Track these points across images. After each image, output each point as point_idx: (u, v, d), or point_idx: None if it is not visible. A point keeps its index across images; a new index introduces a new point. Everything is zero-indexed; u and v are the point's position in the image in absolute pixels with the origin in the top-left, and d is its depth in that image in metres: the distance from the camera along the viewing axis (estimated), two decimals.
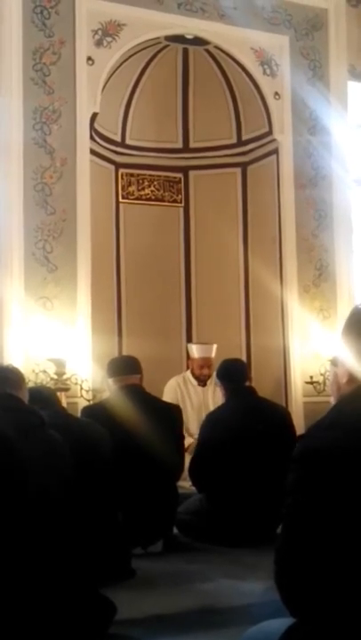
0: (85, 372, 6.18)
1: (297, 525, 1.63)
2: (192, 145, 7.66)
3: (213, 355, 6.60)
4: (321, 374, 6.82)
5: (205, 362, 6.57)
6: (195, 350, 6.70)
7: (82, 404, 5.75)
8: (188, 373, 6.73)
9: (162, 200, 7.66)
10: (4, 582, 2.25)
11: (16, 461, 2.31)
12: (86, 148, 6.49)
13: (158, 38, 6.96)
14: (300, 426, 5.71)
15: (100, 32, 6.52)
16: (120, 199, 7.46)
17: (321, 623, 1.61)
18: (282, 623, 1.74)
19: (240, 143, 7.54)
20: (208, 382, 6.57)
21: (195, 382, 6.64)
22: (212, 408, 6.24)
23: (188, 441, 5.83)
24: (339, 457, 1.60)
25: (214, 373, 5.70)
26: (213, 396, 6.32)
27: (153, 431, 4.30)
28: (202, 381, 6.63)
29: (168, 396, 6.55)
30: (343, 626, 1.59)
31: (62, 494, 2.70)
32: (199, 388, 6.64)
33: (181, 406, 6.25)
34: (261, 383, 6.54)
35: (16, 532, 2.26)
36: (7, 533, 2.24)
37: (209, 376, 6.52)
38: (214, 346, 6.62)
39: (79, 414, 4.82)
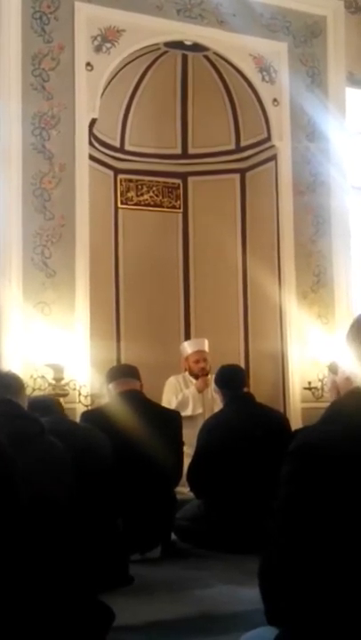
0: (83, 377, 6.18)
1: (289, 519, 1.62)
2: (191, 151, 7.67)
3: (207, 348, 6.66)
4: (319, 380, 6.82)
5: (200, 355, 6.64)
6: (188, 346, 6.81)
7: (80, 409, 5.76)
8: (187, 374, 6.74)
9: (161, 206, 7.66)
10: (1, 588, 2.24)
11: (5, 467, 2.29)
12: (85, 154, 6.50)
13: (157, 44, 6.97)
14: None
15: (99, 38, 6.53)
16: (119, 205, 7.47)
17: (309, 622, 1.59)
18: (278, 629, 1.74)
19: (239, 149, 7.55)
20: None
21: (194, 381, 6.65)
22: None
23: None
24: (335, 452, 1.59)
25: (213, 377, 5.69)
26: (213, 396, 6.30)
27: (152, 436, 4.30)
28: None
29: (169, 391, 6.58)
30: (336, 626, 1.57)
31: (62, 501, 2.70)
32: None
33: None
34: (259, 389, 6.54)
35: (9, 537, 2.25)
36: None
37: (207, 371, 6.53)
38: (206, 340, 6.74)
39: (78, 419, 4.82)
